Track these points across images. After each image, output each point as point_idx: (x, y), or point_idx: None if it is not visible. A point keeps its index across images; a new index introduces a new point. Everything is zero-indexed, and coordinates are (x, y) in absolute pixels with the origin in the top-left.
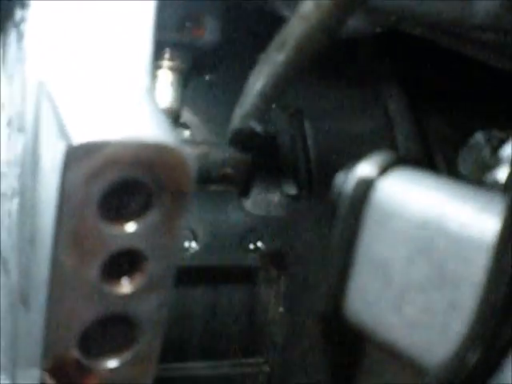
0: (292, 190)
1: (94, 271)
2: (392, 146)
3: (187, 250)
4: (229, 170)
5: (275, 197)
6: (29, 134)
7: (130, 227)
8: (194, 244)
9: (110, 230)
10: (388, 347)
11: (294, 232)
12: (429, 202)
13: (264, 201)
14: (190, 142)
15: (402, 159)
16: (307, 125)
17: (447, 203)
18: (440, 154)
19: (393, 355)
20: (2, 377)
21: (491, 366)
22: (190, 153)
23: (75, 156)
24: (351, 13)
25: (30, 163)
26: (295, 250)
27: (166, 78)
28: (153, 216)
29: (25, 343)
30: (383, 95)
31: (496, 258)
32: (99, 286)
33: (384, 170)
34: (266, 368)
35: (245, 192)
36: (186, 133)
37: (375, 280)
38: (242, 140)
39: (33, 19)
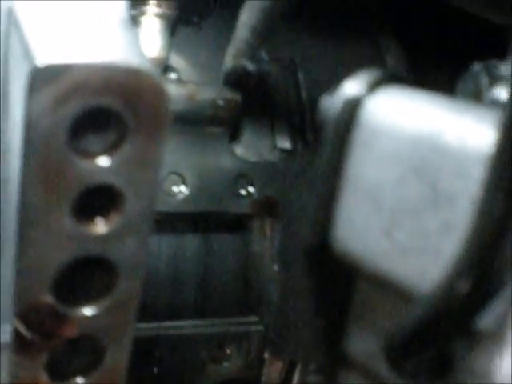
0: (286, 144)
1: (65, 210)
2: None
3: (176, 195)
4: (218, 111)
5: (267, 143)
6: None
7: (104, 161)
8: (183, 188)
9: (82, 163)
10: (379, 277)
11: (287, 181)
12: (422, 118)
13: (255, 146)
14: (177, 81)
15: (392, 76)
16: (301, 77)
17: (441, 117)
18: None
19: (384, 286)
20: None
21: (486, 295)
22: (164, 80)
23: (41, 78)
24: None
25: (2, 96)
26: (289, 200)
27: (153, 25)
28: (128, 149)
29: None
30: (382, 49)
31: (492, 170)
32: (72, 226)
33: (373, 87)
34: (260, 328)
35: (235, 135)
36: (173, 75)
37: (364, 205)
38: (235, 80)
39: None
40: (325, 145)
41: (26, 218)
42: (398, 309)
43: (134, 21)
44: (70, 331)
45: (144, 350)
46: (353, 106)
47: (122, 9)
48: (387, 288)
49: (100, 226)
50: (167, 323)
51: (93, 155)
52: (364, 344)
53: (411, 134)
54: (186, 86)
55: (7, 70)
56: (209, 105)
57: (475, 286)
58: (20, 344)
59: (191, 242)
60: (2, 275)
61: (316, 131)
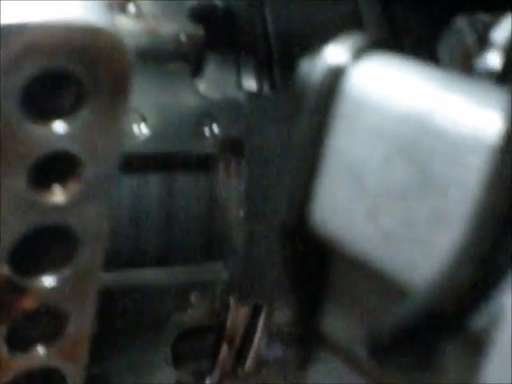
0: (251, 84)
1: (20, 178)
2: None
3: (137, 135)
4: (181, 46)
5: (232, 81)
6: None
7: (60, 127)
8: (144, 128)
9: (36, 129)
10: (360, 261)
11: (253, 121)
12: (412, 93)
13: (220, 84)
14: (136, 15)
15: (377, 43)
16: (268, 11)
17: (434, 93)
18: (410, 41)
19: (364, 270)
20: None
21: (486, 287)
22: (127, 39)
23: None
24: None
25: None
26: (254, 141)
27: None
28: (86, 114)
29: None
30: None
31: (499, 160)
32: (27, 194)
33: (357, 54)
34: (225, 275)
35: (199, 72)
36: (132, 7)
37: (346, 184)
38: (200, 15)
39: None
40: (304, 114)
41: None
42: (379, 293)
43: None
44: (30, 303)
45: (105, 300)
46: (335, 75)
47: None
48: (368, 271)
49: (58, 194)
50: (129, 272)
51: (49, 120)
52: (340, 324)
53: (399, 109)
54: (146, 19)
55: None
56: (171, 39)
57: (472, 283)
58: None
59: (153, 184)
60: None
61: (283, 73)
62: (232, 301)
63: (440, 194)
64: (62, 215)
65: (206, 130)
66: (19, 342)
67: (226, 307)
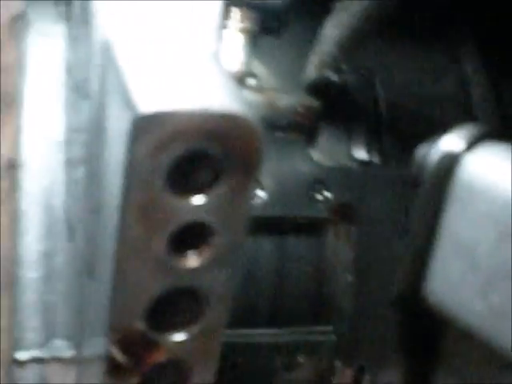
0: (362, 154)
1: (161, 244)
2: (467, 109)
3: (254, 199)
4: (297, 117)
5: (344, 151)
6: (94, 100)
7: (198, 200)
8: (260, 193)
9: (178, 202)
10: (471, 334)
11: (363, 188)
12: None
13: (332, 153)
14: (257, 88)
15: (491, 133)
16: (378, 86)
17: None
18: None
19: (475, 342)
20: (68, 346)
21: None
22: (258, 122)
23: (142, 127)
24: None
25: (96, 131)
26: (364, 207)
27: (235, 39)
28: (221, 188)
29: (91, 312)
30: (459, 56)
31: None
32: (166, 258)
33: (471, 144)
34: (332, 338)
35: (312, 141)
36: (253, 81)
37: (460, 262)
38: (317, 89)
39: None
40: (421, 196)
41: (124, 251)
42: (488, 361)
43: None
44: (160, 357)
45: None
46: (451, 162)
47: (213, 42)
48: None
49: (192, 260)
50: (242, 331)
51: (188, 194)
52: None
53: (507, 196)
54: (265, 92)
55: (104, 102)
56: (288, 111)
57: None
58: (112, 367)
59: (267, 247)
60: (94, 296)
61: (392, 142)
62: (338, 363)
63: None
64: (194, 278)
65: (319, 196)
66: None
67: (332, 368)
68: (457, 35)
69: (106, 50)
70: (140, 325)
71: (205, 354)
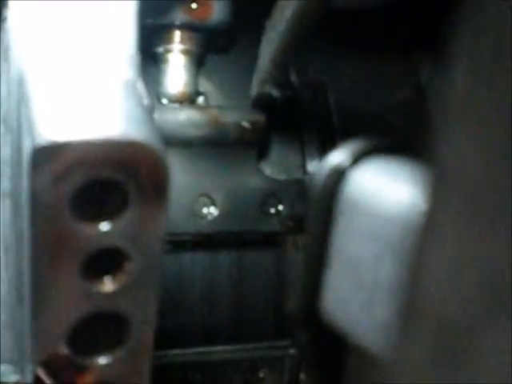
0: (316, 166)
1: (73, 272)
2: (424, 118)
3: (206, 216)
4: (243, 133)
5: (297, 162)
6: (14, 133)
7: (106, 226)
8: (212, 209)
9: (86, 230)
10: (361, 349)
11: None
12: (397, 197)
13: (284, 165)
14: (202, 107)
15: (377, 147)
16: (331, 98)
17: (418, 199)
18: None
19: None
20: (13, 370)
21: None
22: (163, 148)
23: (41, 157)
24: None
25: (17, 163)
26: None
27: (178, 61)
28: (130, 214)
29: (26, 338)
30: (414, 65)
31: None
32: (81, 285)
33: (357, 158)
34: (293, 351)
35: (263, 155)
36: (200, 99)
37: (347, 278)
38: (261, 105)
39: (13, 16)
40: (310, 215)
41: (37, 281)
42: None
43: (161, 58)
44: (87, 380)
45: (178, 375)
46: (336, 177)
47: (127, 70)
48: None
49: (108, 284)
50: (201, 349)
51: (96, 221)
52: None
53: (386, 211)
54: (209, 110)
55: (20, 135)
56: (233, 127)
57: None
58: None
59: (224, 262)
60: (24, 322)
61: None
62: (302, 376)
63: None
64: (113, 302)
65: (272, 209)
66: None
67: (297, 382)
68: (410, 43)
69: (21, 84)
70: (64, 349)
71: (133, 375)
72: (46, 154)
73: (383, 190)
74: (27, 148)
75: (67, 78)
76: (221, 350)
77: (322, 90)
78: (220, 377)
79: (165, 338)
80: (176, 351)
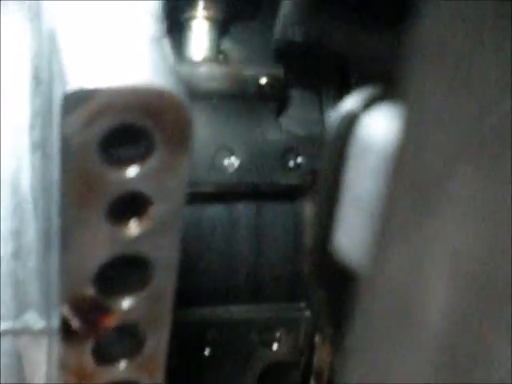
0: None
1: (100, 215)
2: None
3: (227, 167)
4: (262, 87)
5: (315, 116)
6: (45, 85)
7: (132, 171)
8: (233, 160)
9: (112, 174)
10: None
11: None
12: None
13: (303, 119)
14: (223, 61)
15: (391, 94)
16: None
17: None
18: None
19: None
20: (40, 318)
21: None
22: (185, 96)
23: (71, 101)
24: None
25: (47, 114)
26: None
27: (201, 28)
28: (155, 160)
29: (53, 284)
30: None
31: None
32: (107, 228)
33: (369, 104)
34: (308, 313)
35: (282, 109)
36: (220, 56)
37: (358, 216)
38: (281, 51)
39: None
40: (325, 156)
41: (66, 223)
42: None
43: (185, 25)
44: (112, 321)
45: (196, 333)
46: (349, 121)
47: (152, 26)
48: None
49: (133, 228)
50: (220, 308)
51: (122, 166)
52: None
53: (388, 151)
54: (229, 64)
55: (51, 86)
56: (253, 81)
57: None
58: (68, 332)
59: (243, 216)
60: (53, 264)
61: None
62: (317, 339)
63: None
64: (137, 246)
65: (291, 163)
66: (104, 357)
67: (311, 345)
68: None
69: (52, 38)
70: (90, 290)
71: (155, 319)
72: (76, 100)
73: (393, 132)
74: (58, 95)
75: (96, 33)
76: (238, 310)
77: (341, 49)
78: (237, 335)
79: (184, 296)
80: (194, 310)
